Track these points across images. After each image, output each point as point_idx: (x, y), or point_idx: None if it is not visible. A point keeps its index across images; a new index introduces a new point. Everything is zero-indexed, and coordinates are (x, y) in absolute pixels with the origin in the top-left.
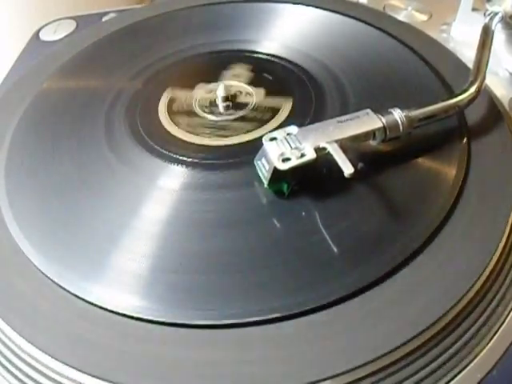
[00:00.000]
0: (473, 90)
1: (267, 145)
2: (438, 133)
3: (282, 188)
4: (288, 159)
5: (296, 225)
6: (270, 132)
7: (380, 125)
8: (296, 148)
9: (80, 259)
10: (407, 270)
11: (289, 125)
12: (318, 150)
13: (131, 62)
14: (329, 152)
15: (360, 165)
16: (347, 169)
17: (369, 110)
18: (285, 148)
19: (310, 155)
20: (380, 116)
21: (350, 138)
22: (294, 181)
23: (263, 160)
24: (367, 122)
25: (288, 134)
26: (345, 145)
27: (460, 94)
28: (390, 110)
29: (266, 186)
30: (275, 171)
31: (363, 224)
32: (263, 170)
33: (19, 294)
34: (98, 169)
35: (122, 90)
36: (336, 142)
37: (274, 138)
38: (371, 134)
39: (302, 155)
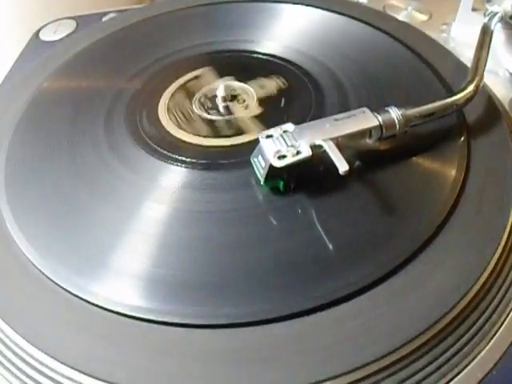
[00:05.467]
0: (470, 88)
1: (263, 142)
2: (439, 132)
3: (277, 185)
4: (284, 156)
5: (296, 224)
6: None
7: (376, 123)
8: (292, 145)
9: (80, 259)
10: (407, 269)
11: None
12: (313, 147)
13: (131, 62)
14: (325, 150)
15: (357, 163)
16: (342, 166)
17: (365, 109)
18: (281, 145)
19: (306, 153)
20: (376, 114)
21: (346, 135)
22: (290, 178)
23: (259, 157)
24: (363, 120)
25: (284, 132)
26: (341, 143)
27: (457, 93)
28: (386, 108)
29: (262, 182)
30: (271, 168)
31: (362, 223)
32: (259, 167)
33: (19, 293)
34: (98, 169)
35: (122, 90)
36: (332, 139)
37: (270, 136)
38: (367, 132)
39: (298, 153)
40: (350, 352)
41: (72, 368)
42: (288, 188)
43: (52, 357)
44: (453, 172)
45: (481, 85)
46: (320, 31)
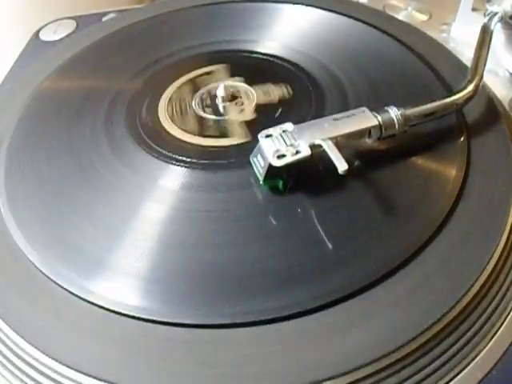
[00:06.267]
0: (470, 88)
1: (263, 141)
2: (439, 132)
3: (277, 184)
4: (283, 156)
5: (294, 224)
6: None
7: (375, 123)
8: (291, 145)
9: (80, 259)
10: (407, 270)
11: None
12: (312, 146)
13: (131, 62)
14: (324, 149)
15: (356, 163)
16: (341, 166)
17: (365, 108)
18: (280, 145)
19: (305, 152)
20: (376, 114)
21: (346, 135)
22: (289, 177)
23: (259, 157)
24: (363, 119)
25: (284, 131)
26: (340, 142)
27: (457, 93)
28: (385, 108)
29: (261, 182)
30: (270, 168)
31: (361, 223)
32: (259, 166)
33: (19, 294)
34: (98, 169)
35: (122, 90)
36: (331, 139)
37: (269, 135)
38: (367, 132)
39: (297, 152)
40: (349, 352)
41: (72, 368)
42: (287, 187)
43: (52, 357)
44: (453, 172)
45: (480, 84)
46: (320, 31)
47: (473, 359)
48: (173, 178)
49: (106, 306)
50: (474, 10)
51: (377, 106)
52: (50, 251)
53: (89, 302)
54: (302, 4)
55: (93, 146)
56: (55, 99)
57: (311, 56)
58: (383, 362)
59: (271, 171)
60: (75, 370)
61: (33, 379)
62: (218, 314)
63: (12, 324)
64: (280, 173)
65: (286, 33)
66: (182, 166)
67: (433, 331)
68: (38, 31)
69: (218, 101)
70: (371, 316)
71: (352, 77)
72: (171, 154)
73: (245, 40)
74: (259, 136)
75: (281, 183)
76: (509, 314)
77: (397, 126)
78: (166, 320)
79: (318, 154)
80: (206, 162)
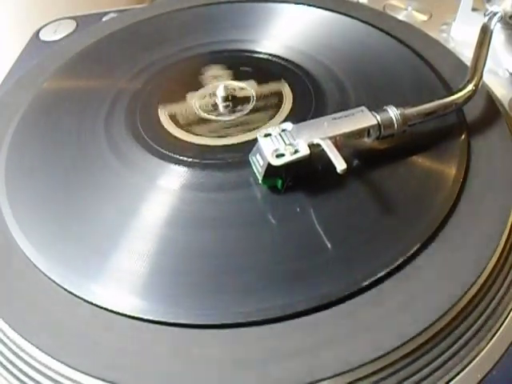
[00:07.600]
0: (469, 88)
1: (262, 141)
2: (439, 132)
3: (276, 184)
4: (282, 155)
5: (294, 223)
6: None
7: (374, 122)
8: (290, 144)
9: (80, 259)
10: (407, 269)
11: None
12: (311, 146)
13: (131, 62)
14: (323, 148)
15: (355, 162)
16: (340, 165)
17: (364, 108)
18: (279, 144)
19: (304, 151)
20: (375, 113)
21: (344, 134)
22: (288, 177)
23: (258, 156)
24: (362, 119)
25: (283, 131)
26: (339, 142)
27: (456, 93)
28: (385, 107)
29: (260, 181)
30: (269, 167)
31: (360, 223)
32: (258, 165)
33: (19, 294)
34: (98, 169)
35: (122, 90)
36: (330, 138)
37: (268, 134)
38: (365, 131)
39: (296, 151)
40: (349, 351)
41: (72, 368)
42: (286, 187)
43: (52, 357)
44: (453, 172)
45: (480, 84)
46: (320, 31)
47: (473, 359)
48: (173, 178)
49: (105, 306)
50: (473, 10)
51: (376, 106)
52: (49, 251)
53: (88, 302)
54: (302, 4)
55: (93, 145)
56: (55, 99)
57: (311, 56)
58: (383, 361)
59: (270, 170)
60: (75, 369)
61: (32, 379)
62: (217, 315)
63: (12, 324)
64: (279, 172)
65: (286, 33)
66: (182, 166)
67: (432, 331)
68: (38, 31)
69: (218, 101)
70: (369, 315)
71: (352, 76)
72: (171, 154)
73: (245, 40)
74: (258, 135)
75: (279, 182)
76: (509, 313)
77: (396, 125)
78: (166, 320)
79: (316, 154)
80: (206, 161)
